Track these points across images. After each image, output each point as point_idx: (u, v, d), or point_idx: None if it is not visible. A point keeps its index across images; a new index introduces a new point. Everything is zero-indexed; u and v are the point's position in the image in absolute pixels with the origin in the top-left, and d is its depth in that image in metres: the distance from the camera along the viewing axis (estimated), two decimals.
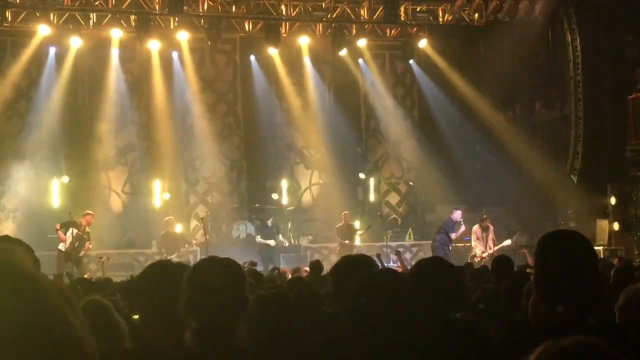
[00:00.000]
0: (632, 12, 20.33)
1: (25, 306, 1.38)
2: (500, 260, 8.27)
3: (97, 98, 22.83)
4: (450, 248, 20.12)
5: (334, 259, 20.69)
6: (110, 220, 22.65)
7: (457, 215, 20.32)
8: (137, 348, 4.52)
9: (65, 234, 18.77)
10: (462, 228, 20.24)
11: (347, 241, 20.85)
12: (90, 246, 19.19)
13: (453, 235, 20.25)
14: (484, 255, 19.55)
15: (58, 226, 19.02)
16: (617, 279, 7.42)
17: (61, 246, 18.79)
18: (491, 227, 20.15)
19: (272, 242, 20.43)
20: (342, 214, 21.56)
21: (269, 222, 20.94)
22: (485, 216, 20.41)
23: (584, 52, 20.44)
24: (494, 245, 19.79)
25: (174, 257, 19.50)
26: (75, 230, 18.76)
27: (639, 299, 4.22)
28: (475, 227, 20.23)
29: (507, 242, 19.90)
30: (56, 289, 1.46)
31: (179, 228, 21.42)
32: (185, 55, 23.38)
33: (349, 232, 21.35)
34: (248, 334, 3.13)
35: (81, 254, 18.95)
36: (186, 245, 20.27)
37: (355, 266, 3.80)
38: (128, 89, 23.36)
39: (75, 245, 18.68)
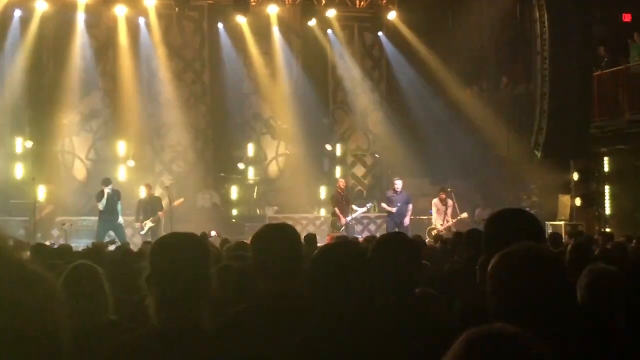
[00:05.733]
0: None
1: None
2: (474, 233, 8.01)
3: (61, 63, 22.54)
4: (400, 221, 20.02)
5: (311, 229, 20.91)
6: (73, 187, 22.54)
7: (396, 184, 20.33)
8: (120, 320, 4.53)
9: None
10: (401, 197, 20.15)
11: (342, 217, 20.17)
12: None
13: (384, 205, 20.39)
14: (443, 227, 19.77)
15: None
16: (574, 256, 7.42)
17: None
18: (450, 201, 20.25)
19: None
20: (338, 181, 21.47)
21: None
22: (443, 189, 20.48)
23: (552, 29, 20.46)
24: (452, 218, 19.97)
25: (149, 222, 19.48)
26: None
27: (605, 281, 4.25)
28: (435, 200, 20.37)
29: (464, 215, 20.03)
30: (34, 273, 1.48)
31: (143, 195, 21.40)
32: (152, 22, 23.13)
33: (345, 202, 20.74)
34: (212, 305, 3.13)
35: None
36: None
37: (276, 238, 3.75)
38: (93, 54, 23.10)
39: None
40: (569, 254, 6.93)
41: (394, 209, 20.02)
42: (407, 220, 20.07)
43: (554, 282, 2.54)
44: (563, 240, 13.01)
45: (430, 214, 20.94)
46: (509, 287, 2.50)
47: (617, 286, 4.26)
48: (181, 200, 19.98)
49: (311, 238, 12.05)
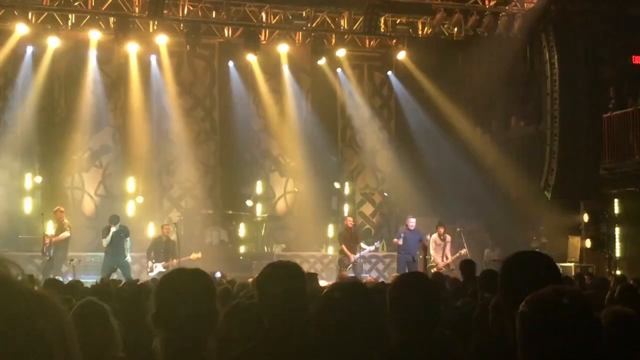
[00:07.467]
0: (609, 31, 20.55)
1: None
2: (486, 274, 7.85)
3: (73, 99, 22.67)
4: (411, 257, 20.01)
5: (319, 267, 20.96)
6: (82, 222, 22.46)
7: (410, 222, 20.38)
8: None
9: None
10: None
11: (350, 254, 20.23)
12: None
13: (395, 240, 20.52)
14: (443, 264, 19.65)
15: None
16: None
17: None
18: (448, 237, 20.16)
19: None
20: (346, 219, 21.55)
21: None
22: (441, 223, 20.35)
23: (561, 70, 20.57)
24: (451, 255, 19.86)
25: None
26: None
27: (623, 324, 4.21)
28: (434, 236, 20.22)
29: (464, 250, 19.79)
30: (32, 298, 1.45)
31: (151, 231, 21.30)
32: (164, 59, 23.29)
33: (353, 240, 20.78)
34: (222, 343, 3.09)
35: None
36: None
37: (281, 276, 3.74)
38: (104, 90, 23.22)
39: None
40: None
41: (400, 242, 20.01)
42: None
43: (583, 328, 2.48)
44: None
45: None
46: (539, 332, 2.45)
47: (634, 329, 4.21)
48: (198, 255, 19.47)
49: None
